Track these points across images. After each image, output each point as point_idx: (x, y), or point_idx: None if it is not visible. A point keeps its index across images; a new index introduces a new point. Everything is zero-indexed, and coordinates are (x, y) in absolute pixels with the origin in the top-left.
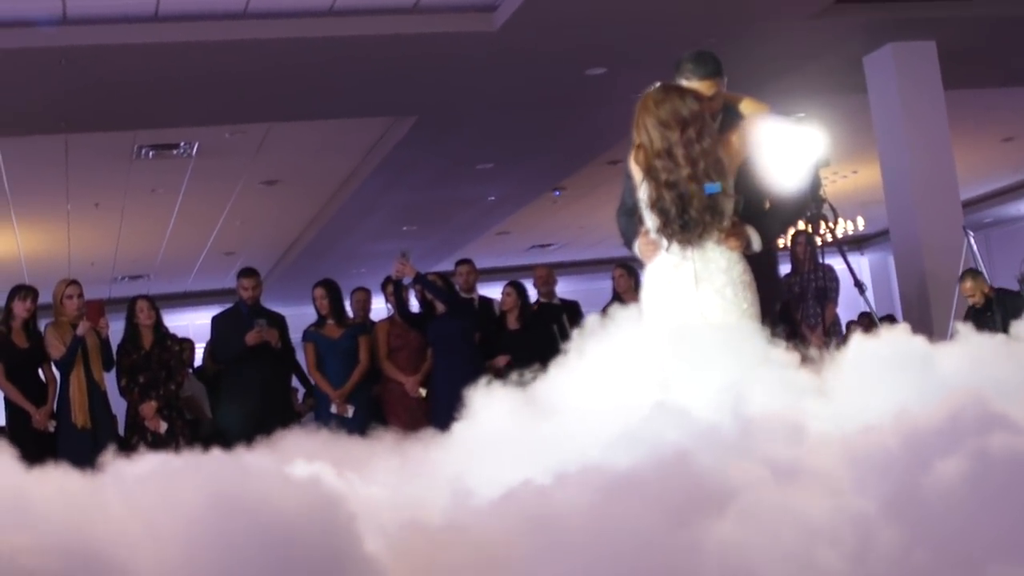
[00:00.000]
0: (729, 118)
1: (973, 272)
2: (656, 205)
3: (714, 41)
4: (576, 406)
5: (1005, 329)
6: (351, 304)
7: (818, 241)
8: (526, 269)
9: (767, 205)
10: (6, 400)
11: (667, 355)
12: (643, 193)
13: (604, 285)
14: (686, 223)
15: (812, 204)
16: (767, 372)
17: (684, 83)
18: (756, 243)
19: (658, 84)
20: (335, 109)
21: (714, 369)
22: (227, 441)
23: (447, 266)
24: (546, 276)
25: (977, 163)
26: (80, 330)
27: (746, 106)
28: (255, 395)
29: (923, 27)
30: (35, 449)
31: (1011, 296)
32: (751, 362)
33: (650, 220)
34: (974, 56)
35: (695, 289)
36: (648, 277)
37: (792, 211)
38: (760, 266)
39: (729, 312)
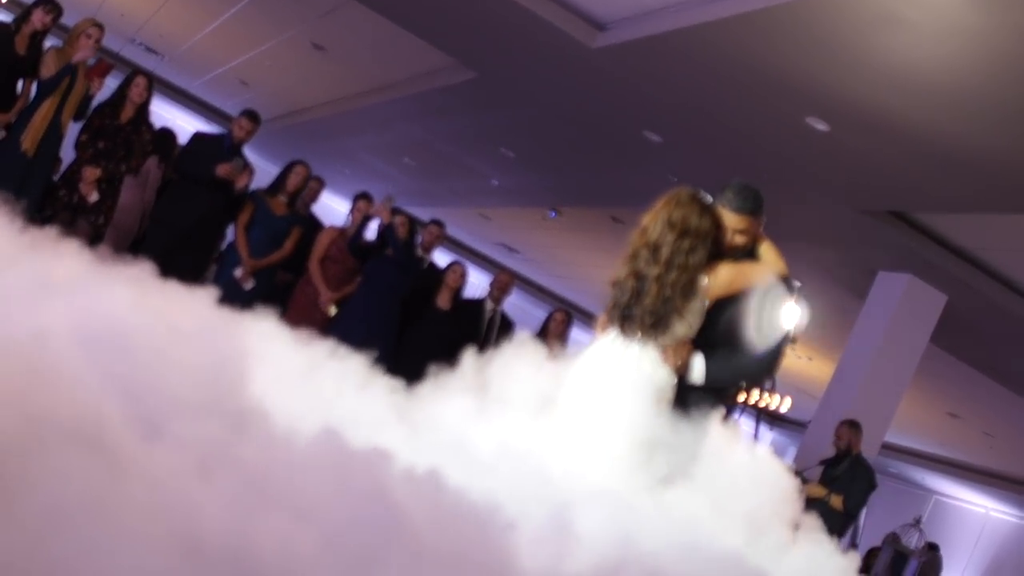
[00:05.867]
0: (746, 256)
1: (855, 423)
2: (616, 284)
3: (767, 179)
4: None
5: (841, 482)
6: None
7: (741, 397)
8: (478, 257)
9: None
10: None
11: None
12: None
13: (539, 315)
14: (629, 314)
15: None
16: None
17: (720, 208)
18: (697, 374)
19: (693, 190)
20: (413, 23)
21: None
22: (143, 245)
23: (416, 211)
24: (506, 284)
25: (914, 417)
26: (77, 57)
27: (765, 252)
28: (191, 220)
29: (943, 279)
30: None
31: (865, 467)
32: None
33: (607, 297)
34: (971, 331)
35: (609, 373)
36: (586, 349)
37: (752, 371)
38: (696, 401)
39: (621, 407)
